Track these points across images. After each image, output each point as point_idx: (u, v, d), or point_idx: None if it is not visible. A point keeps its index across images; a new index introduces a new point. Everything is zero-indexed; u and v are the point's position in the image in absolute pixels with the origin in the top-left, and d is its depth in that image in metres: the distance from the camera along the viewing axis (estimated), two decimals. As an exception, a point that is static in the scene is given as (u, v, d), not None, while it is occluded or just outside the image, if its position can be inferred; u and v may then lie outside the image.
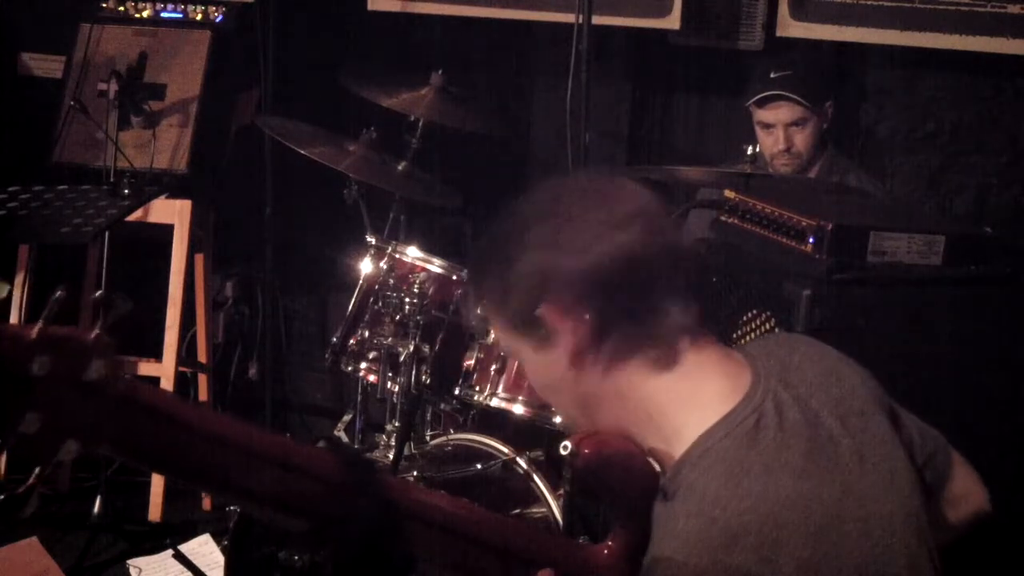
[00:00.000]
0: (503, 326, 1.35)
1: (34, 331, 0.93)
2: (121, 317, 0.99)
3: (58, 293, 0.96)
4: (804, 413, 1.28)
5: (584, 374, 1.30)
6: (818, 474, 1.23)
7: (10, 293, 3.52)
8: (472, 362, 2.84)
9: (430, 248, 2.96)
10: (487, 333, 2.80)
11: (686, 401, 1.29)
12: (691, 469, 1.23)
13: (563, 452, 1.28)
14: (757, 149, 3.06)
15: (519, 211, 1.33)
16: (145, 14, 3.77)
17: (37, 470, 0.96)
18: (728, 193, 2.27)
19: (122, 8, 3.79)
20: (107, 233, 3.23)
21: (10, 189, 2.71)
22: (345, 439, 3.33)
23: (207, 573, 2.30)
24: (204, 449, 1.07)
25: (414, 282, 2.83)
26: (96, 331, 0.97)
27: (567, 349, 1.28)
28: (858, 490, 1.25)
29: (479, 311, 1.39)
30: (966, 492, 1.51)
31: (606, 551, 1.35)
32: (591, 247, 1.26)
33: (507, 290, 1.30)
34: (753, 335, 2.10)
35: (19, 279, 3.56)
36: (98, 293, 0.98)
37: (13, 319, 3.47)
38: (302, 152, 3.10)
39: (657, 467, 1.31)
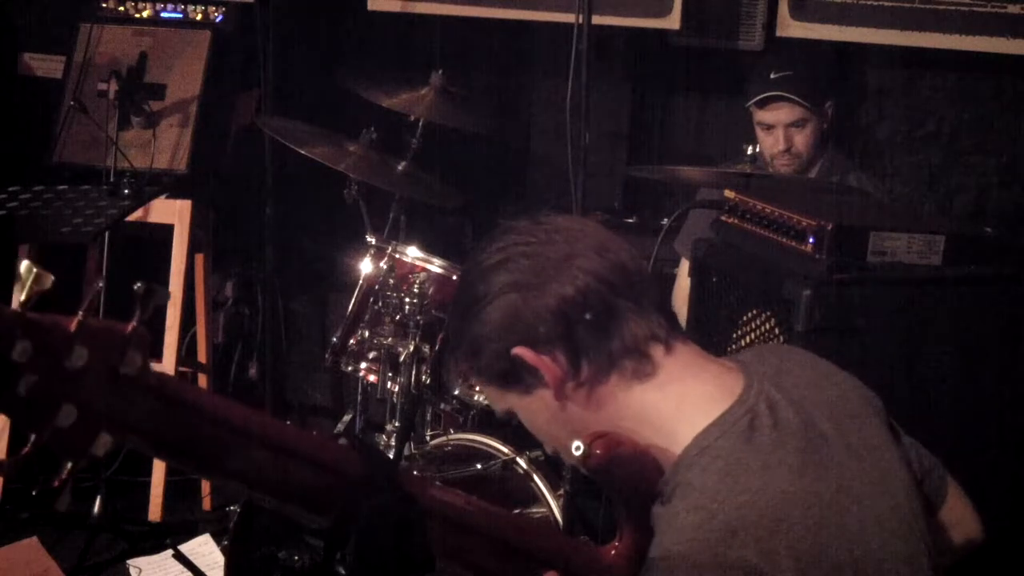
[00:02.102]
0: (487, 385, 1.38)
1: (73, 322, 0.93)
2: (158, 308, 0.98)
3: (99, 284, 0.96)
4: (798, 414, 1.29)
5: (571, 404, 1.32)
6: (814, 471, 1.24)
7: (9, 294, 3.52)
8: (472, 362, 2.84)
9: (430, 248, 2.96)
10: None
11: (675, 406, 1.30)
12: (687, 468, 1.24)
13: (575, 452, 1.28)
14: (757, 149, 3.06)
15: (474, 269, 1.37)
16: (145, 14, 3.77)
17: (70, 464, 0.96)
18: (728, 193, 2.27)
19: (122, 8, 3.79)
20: (107, 233, 3.23)
21: (10, 189, 2.71)
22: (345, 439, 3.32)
23: (207, 573, 2.30)
24: (234, 443, 1.07)
25: (414, 282, 2.83)
26: (133, 323, 0.97)
27: (549, 384, 1.31)
28: (854, 488, 1.26)
29: (463, 378, 1.42)
30: (960, 518, 1.51)
31: (614, 551, 1.36)
32: (548, 283, 1.30)
33: (479, 345, 1.33)
34: (753, 335, 2.10)
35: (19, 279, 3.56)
36: (137, 285, 0.98)
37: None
38: (302, 152, 3.10)
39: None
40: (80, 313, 0.93)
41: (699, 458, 1.23)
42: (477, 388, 2.82)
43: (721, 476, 1.21)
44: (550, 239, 1.33)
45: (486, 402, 2.82)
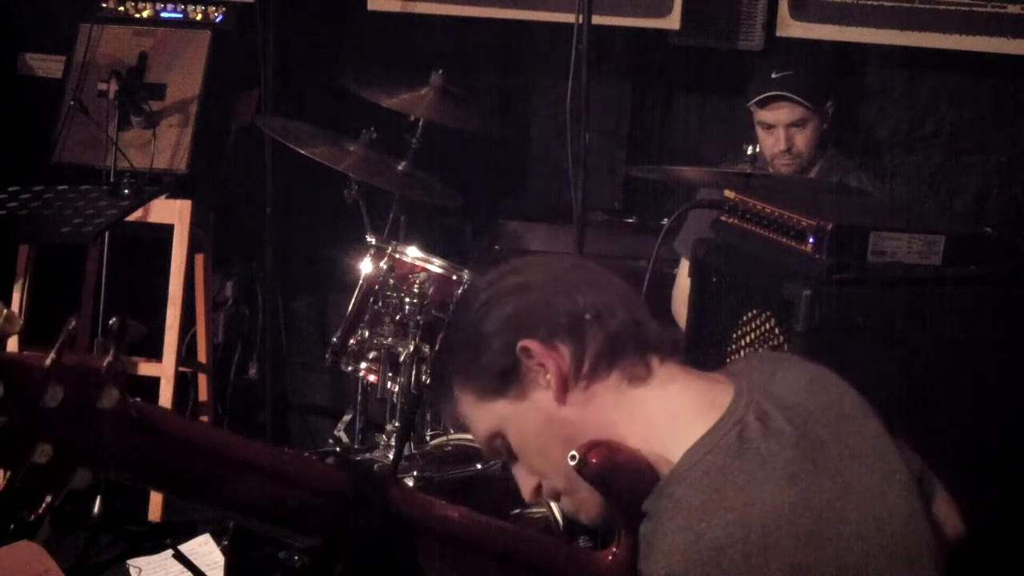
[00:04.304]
0: (478, 394, 1.37)
1: (47, 361, 0.93)
2: (134, 343, 0.98)
3: (72, 323, 0.95)
4: (791, 421, 1.29)
5: (568, 407, 1.33)
6: (806, 479, 1.23)
7: (9, 294, 3.52)
8: (472, 362, 2.84)
9: (430, 248, 2.96)
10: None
11: (667, 415, 1.31)
12: (676, 486, 1.24)
13: (571, 462, 1.28)
14: (757, 149, 3.06)
15: (479, 285, 1.41)
16: (145, 14, 3.77)
17: (48, 499, 0.96)
18: (728, 193, 2.27)
19: (122, 8, 3.79)
20: (107, 233, 3.23)
21: (10, 189, 2.71)
22: (345, 439, 3.32)
23: (207, 573, 2.30)
24: (216, 470, 1.07)
25: (414, 282, 2.83)
26: (109, 359, 0.96)
27: (552, 380, 1.32)
28: (853, 490, 1.25)
29: (452, 388, 1.40)
30: (946, 517, 1.51)
31: (611, 558, 1.35)
32: (558, 283, 1.36)
33: (483, 342, 1.35)
34: (753, 335, 2.10)
35: (19, 279, 3.56)
36: (112, 320, 0.98)
37: (13, 319, 3.47)
38: (302, 152, 3.10)
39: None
40: (53, 352, 0.93)
41: (687, 474, 1.23)
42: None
43: (708, 493, 1.20)
44: (559, 259, 1.43)
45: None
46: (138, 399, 1.02)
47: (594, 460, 1.28)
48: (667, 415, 1.31)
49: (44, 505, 0.95)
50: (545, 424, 1.34)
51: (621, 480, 1.30)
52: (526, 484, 1.41)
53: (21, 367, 0.92)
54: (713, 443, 1.25)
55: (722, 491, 1.20)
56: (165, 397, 3.47)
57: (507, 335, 1.33)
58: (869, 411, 1.38)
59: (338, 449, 3.27)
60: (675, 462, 1.26)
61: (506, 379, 1.34)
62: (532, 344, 1.31)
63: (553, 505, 2.64)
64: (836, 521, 1.22)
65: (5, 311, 0.91)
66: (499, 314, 1.34)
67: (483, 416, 1.38)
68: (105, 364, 0.96)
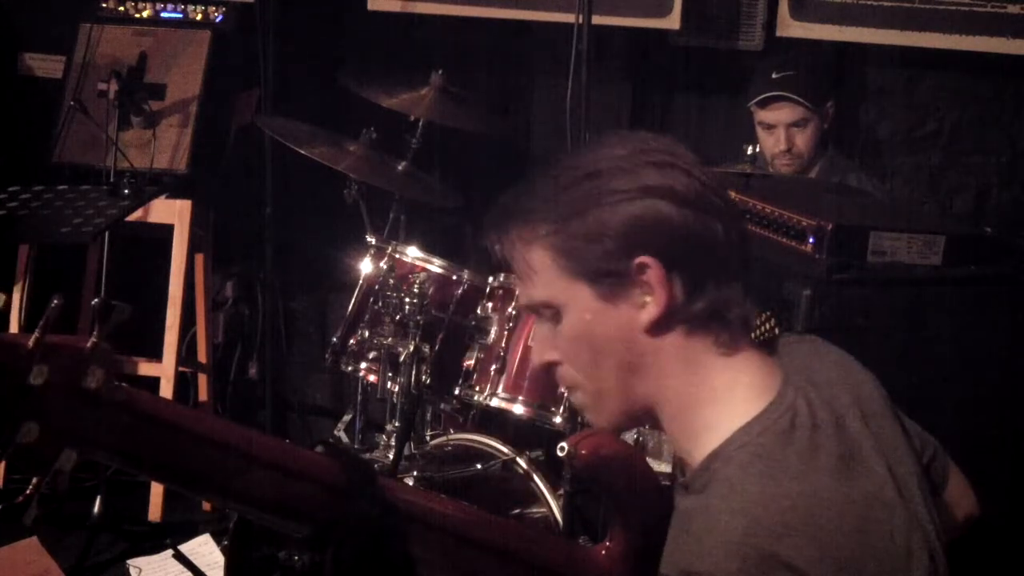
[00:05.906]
0: (564, 267, 1.27)
1: (31, 340, 0.93)
2: (120, 324, 0.98)
3: (55, 302, 0.95)
4: (832, 414, 1.28)
5: (653, 338, 1.26)
6: (848, 475, 1.23)
7: (10, 294, 3.52)
8: (472, 362, 2.84)
9: (430, 248, 2.96)
10: (490, 329, 2.80)
11: (727, 392, 1.28)
12: (725, 463, 1.22)
13: (560, 453, 1.28)
14: (757, 149, 3.06)
15: (617, 152, 1.28)
16: (145, 14, 3.77)
17: (35, 479, 0.96)
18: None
19: (122, 8, 3.79)
20: (107, 233, 3.23)
21: (10, 189, 2.71)
22: (345, 439, 3.33)
23: (207, 573, 2.30)
24: (203, 455, 1.06)
25: (414, 282, 2.82)
26: (93, 339, 0.97)
27: (653, 309, 1.25)
28: (882, 493, 1.25)
29: (532, 231, 1.29)
30: (960, 496, 1.51)
31: (604, 551, 1.35)
32: (705, 212, 1.25)
33: (598, 233, 1.24)
34: (753, 335, 2.10)
35: (19, 279, 3.56)
36: (95, 301, 0.98)
37: (13, 319, 3.48)
38: (302, 152, 3.10)
39: (655, 467, 1.31)
40: (37, 331, 0.93)
41: (738, 454, 1.22)
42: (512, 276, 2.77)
43: (762, 478, 1.19)
44: (717, 185, 1.28)
45: (486, 402, 2.81)
46: (125, 384, 1.02)
47: (584, 451, 1.27)
48: (725, 387, 1.27)
49: (32, 486, 0.95)
50: (617, 338, 1.27)
51: (610, 474, 1.30)
52: (545, 353, 1.33)
53: (5, 346, 0.92)
54: (765, 425, 1.23)
55: (776, 478, 1.18)
56: (165, 397, 3.47)
57: (629, 241, 1.23)
58: (889, 407, 1.38)
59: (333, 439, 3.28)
60: (723, 437, 1.24)
61: (605, 275, 1.25)
62: (653, 264, 1.23)
63: (553, 505, 2.64)
64: (872, 520, 1.22)
65: None
66: (631, 214, 1.23)
67: (552, 285, 1.28)
68: (89, 344, 0.96)
